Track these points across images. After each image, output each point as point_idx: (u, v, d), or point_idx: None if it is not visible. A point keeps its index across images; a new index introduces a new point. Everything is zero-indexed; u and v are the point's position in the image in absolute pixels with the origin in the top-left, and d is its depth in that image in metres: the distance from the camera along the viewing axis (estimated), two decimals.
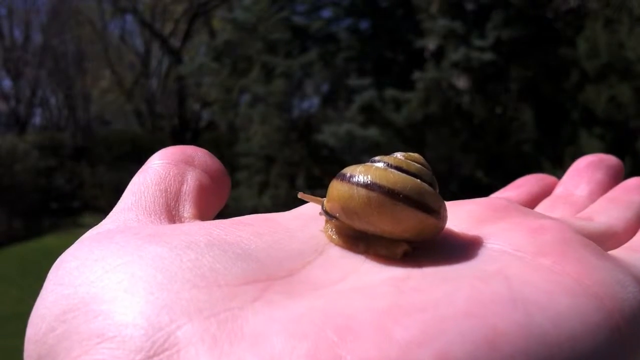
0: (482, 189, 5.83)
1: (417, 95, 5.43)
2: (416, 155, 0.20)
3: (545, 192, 0.30)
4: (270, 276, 0.16)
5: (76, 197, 8.98)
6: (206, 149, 0.24)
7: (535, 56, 5.53)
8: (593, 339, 0.15)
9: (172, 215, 0.21)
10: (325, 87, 7.02)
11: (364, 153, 5.28)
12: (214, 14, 10.39)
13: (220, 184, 0.23)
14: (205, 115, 10.26)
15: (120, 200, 0.22)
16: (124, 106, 12.30)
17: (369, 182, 0.18)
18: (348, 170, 0.19)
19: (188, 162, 0.23)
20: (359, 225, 0.18)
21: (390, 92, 5.52)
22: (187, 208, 0.21)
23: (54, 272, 0.17)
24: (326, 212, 0.19)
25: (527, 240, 0.19)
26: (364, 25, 6.56)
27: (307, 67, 6.40)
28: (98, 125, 13.01)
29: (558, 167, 5.12)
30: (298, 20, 6.54)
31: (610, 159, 0.30)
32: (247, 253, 0.17)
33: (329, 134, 5.43)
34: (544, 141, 5.48)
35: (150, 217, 0.20)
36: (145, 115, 11.50)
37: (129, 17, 13.12)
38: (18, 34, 13.13)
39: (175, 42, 11.38)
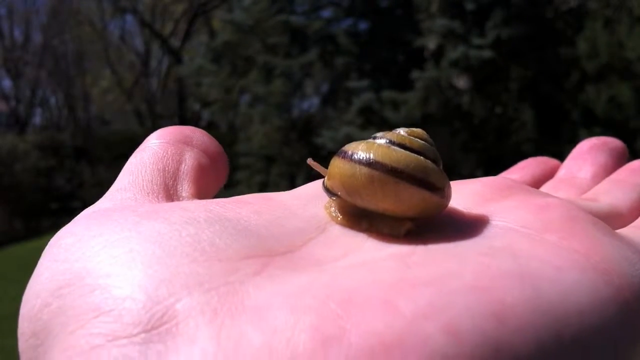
0: None
1: (416, 94, 5.43)
2: (419, 130, 0.20)
3: (548, 175, 0.30)
4: (270, 252, 0.16)
5: (76, 197, 8.97)
6: None
7: (535, 56, 5.52)
8: (601, 314, 0.15)
9: (170, 194, 0.20)
10: (324, 87, 7.02)
11: None
12: (214, 14, 10.40)
13: (218, 164, 0.23)
14: (205, 115, 10.26)
15: (117, 180, 0.21)
16: (124, 106, 12.30)
17: (371, 160, 0.18)
18: (350, 148, 0.19)
19: (186, 142, 0.22)
20: (361, 203, 0.18)
21: (388, 94, 5.52)
22: (185, 187, 0.21)
23: (50, 250, 0.17)
24: (327, 190, 0.19)
25: (534, 217, 0.19)
26: (364, 25, 6.57)
27: (306, 67, 6.40)
28: (98, 125, 13.00)
29: None
30: (297, 20, 6.54)
31: (614, 142, 0.29)
32: (247, 229, 0.17)
33: (327, 138, 5.43)
34: (544, 141, 5.47)
35: (148, 196, 0.20)
36: (145, 115, 11.50)
37: (129, 17, 13.14)
38: (18, 34, 13.14)
39: (175, 42, 11.38)
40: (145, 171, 0.21)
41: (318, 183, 0.21)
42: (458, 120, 5.86)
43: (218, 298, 0.14)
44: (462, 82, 5.78)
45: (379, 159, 0.18)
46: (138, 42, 12.86)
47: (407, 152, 0.18)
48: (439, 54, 5.56)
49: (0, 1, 12.60)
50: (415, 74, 5.41)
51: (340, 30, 6.40)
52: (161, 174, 0.21)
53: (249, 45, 6.57)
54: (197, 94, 8.77)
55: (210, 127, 10.48)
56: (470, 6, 5.68)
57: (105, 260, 0.15)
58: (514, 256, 0.16)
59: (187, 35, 11.06)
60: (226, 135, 8.63)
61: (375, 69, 6.10)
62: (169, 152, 0.22)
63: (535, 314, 0.14)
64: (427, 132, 0.20)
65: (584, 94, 5.24)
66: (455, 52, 5.26)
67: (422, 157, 0.18)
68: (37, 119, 13.60)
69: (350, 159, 0.18)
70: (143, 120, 11.60)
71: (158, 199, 0.20)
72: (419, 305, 0.13)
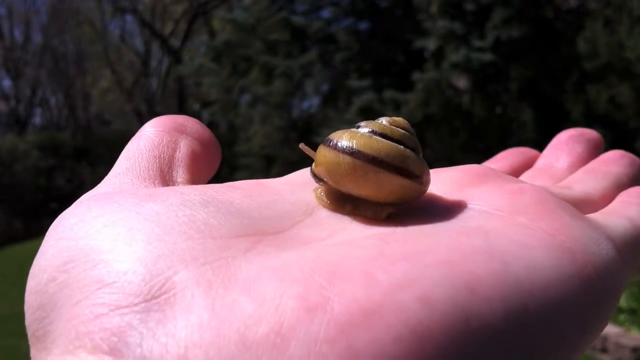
0: None
1: (416, 95, 5.43)
2: (400, 120, 0.20)
3: (527, 165, 0.31)
4: (261, 231, 0.17)
5: (76, 197, 8.91)
6: None
7: (535, 56, 5.53)
8: (565, 289, 0.16)
9: (165, 180, 0.21)
10: (324, 87, 7.03)
11: None
12: (214, 14, 10.40)
13: (211, 152, 0.24)
14: (205, 115, 10.26)
15: (115, 166, 0.22)
16: (124, 106, 12.31)
17: (354, 149, 0.19)
18: (335, 136, 0.20)
19: (180, 130, 0.23)
20: (345, 189, 0.19)
21: (389, 94, 5.53)
22: (180, 173, 0.22)
23: (54, 229, 0.18)
24: (315, 176, 0.20)
25: (506, 201, 0.20)
26: (364, 25, 6.57)
27: (306, 67, 6.40)
28: (98, 125, 13.02)
29: None
30: (297, 20, 6.54)
31: (591, 133, 0.31)
32: (239, 211, 0.18)
33: (326, 136, 5.43)
34: (544, 141, 5.45)
35: (145, 181, 0.21)
36: (145, 115, 11.50)
37: (129, 17, 13.14)
38: (18, 34, 13.16)
39: (175, 42, 11.38)
40: (142, 158, 0.22)
41: (307, 170, 0.22)
42: (458, 120, 5.86)
43: (212, 271, 0.15)
44: (462, 83, 5.78)
45: (361, 148, 0.19)
46: (138, 42, 12.87)
47: (388, 141, 0.19)
48: (439, 54, 5.57)
49: (1, 1, 12.61)
50: (415, 76, 5.42)
51: (341, 30, 6.41)
52: (157, 160, 0.22)
53: (249, 45, 6.57)
54: (197, 94, 8.77)
55: (210, 127, 10.48)
56: (470, 7, 5.68)
57: (108, 238, 0.16)
58: (486, 235, 0.17)
59: (187, 35, 11.07)
60: (226, 136, 8.64)
61: (376, 69, 6.10)
62: (164, 140, 0.23)
63: (503, 286, 0.15)
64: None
65: (584, 94, 5.24)
66: (456, 55, 5.27)
67: (402, 146, 0.19)
68: (37, 119, 13.63)
69: (335, 147, 0.19)
70: (143, 120, 11.57)
71: (154, 184, 0.21)
72: (396, 276, 0.15)
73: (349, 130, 0.20)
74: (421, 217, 0.19)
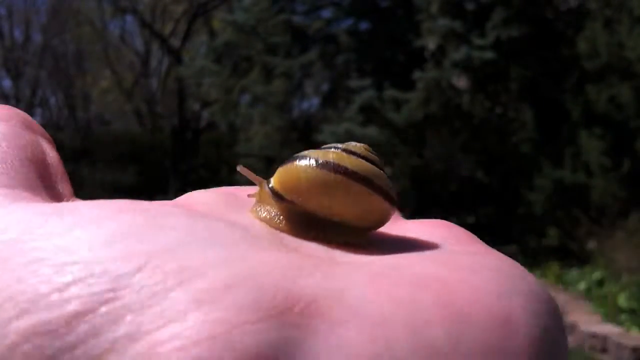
0: (482, 189, 5.85)
1: (417, 94, 5.43)
2: (366, 145, 0.19)
3: None
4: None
5: (76, 197, 8.94)
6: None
7: (535, 56, 5.52)
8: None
9: (54, 193, 0.16)
10: (325, 87, 7.02)
11: None
12: (214, 14, 10.40)
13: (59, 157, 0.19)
14: (205, 115, 10.26)
15: None
16: (124, 106, 12.31)
17: (332, 164, 0.17)
18: (306, 153, 0.18)
19: (32, 128, 0.18)
20: (320, 209, 0.17)
21: (389, 92, 5.53)
22: (62, 185, 0.17)
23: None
24: (275, 194, 0.18)
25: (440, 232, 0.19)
26: (364, 25, 6.57)
27: (307, 67, 6.40)
28: (98, 125, 13.01)
29: (558, 167, 5.11)
30: (298, 20, 6.54)
31: None
32: (255, 237, 0.15)
33: (328, 134, 5.44)
34: (544, 141, 5.47)
35: (29, 191, 0.15)
36: (145, 115, 11.51)
37: (129, 17, 13.15)
38: (18, 34, 13.16)
39: (175, 42, 11.38)
40: (13, 160, 0.16)
41: (205, 192, 0.19)
42: (458, 120, 5.86)
43: (326, 280, 0.13)
44: (462, 82, 5.78)
45: (338, 161, 0.17)
46: (138, 42, 12.86)
47: (362, 159, 0.18)
48: (439, 54, 5.56)
49: (1, 1, 12.61)
50: (416, 75, 5.41)
51: (341, 30, 6.41)
52: (32, 165, 0.16)
53: (249, 46, 6.57)
54: (197, 94, 8.76)
55: (210, 128, 10.48)
56: (470, 6, 5.68)
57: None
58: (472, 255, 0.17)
59: (187, 35, 11.07)
60: (226, 136, 8.63)
61: (376, 69, 6.10)
62: (27, 138, 0.17)
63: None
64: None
65: (584, 94, 5.23)
66: (458, 53, 5.26)
67: (376, 167, 0.18)
68: (37, 119, 13.55)
69: (323, 165, 0.17)
70: (143, 120, 11.60)
71: (42, 197, 0.15)
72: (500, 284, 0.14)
73: (319, 149, 0.18)
74: (393, 241, 0.18)
